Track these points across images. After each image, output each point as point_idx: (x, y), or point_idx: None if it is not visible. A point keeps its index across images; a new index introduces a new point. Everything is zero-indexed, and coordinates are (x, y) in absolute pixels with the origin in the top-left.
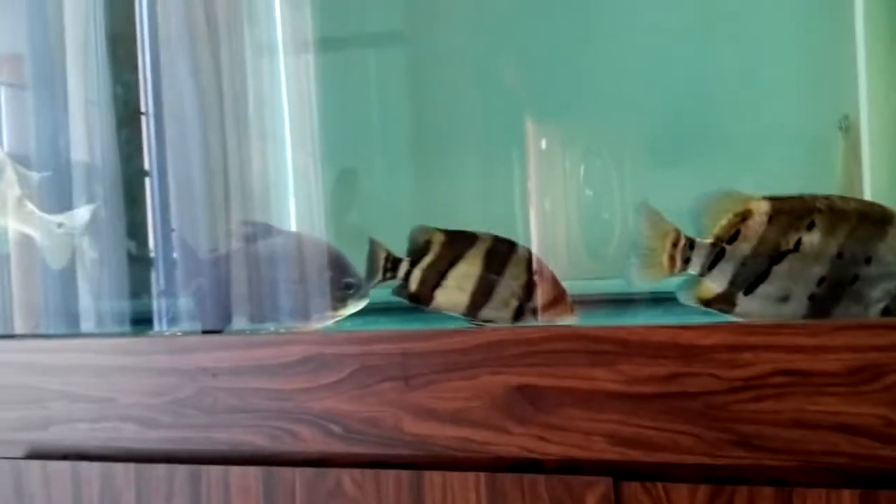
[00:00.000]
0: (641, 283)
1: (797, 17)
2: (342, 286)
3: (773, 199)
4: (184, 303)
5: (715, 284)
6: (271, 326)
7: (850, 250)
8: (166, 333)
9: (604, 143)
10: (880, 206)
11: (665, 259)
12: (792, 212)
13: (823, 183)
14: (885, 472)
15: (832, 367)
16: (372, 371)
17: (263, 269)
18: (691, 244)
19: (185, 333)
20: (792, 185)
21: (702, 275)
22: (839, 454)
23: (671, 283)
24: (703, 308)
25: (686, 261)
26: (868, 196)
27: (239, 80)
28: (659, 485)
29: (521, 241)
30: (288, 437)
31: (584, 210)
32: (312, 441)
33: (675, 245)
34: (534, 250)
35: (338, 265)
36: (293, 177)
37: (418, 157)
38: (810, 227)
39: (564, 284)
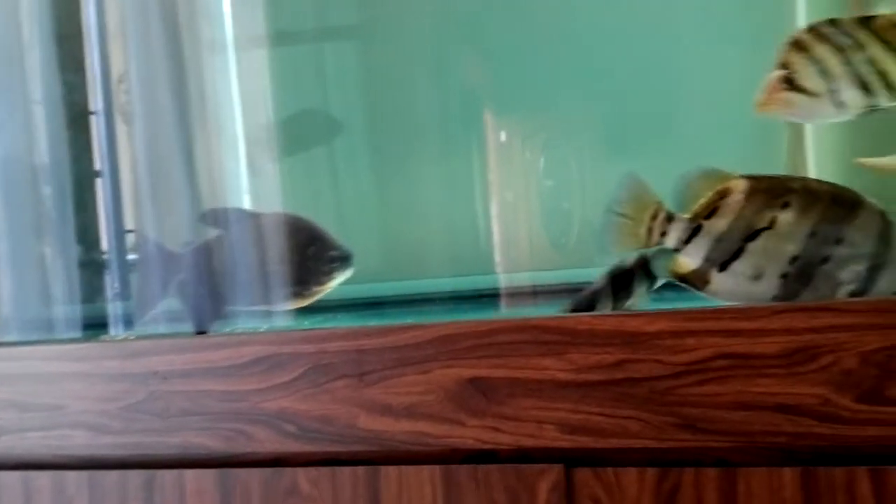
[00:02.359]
0: (617, 251)
1: (744, 9)
2: (327, 259)
3: (750, 178)
4: (165, 304)
5: (690, 260)
6: (263, 308)
7: (823, 230)
8: (118, 338)
9: (563, 135)
10: (851, 191)
11: (643, 230)
12: (768, 190)
13: (771, 171)
14: (822, 450)
15: (771, 349)
16: (326, 369)
17: (244, 254)
18: (670, 217)
19: (138, 337)
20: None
21: (677, 249)
22: (779, 433)
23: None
24: (677, 282)
25: (663, 234)
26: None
27: (192, 76)
28: (609, 470)
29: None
30: (242, 438)
31: (545, 201)
32: (267, 441)
33: (654, 217)
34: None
35: (319, 238)
36: (249, 173)
37: (377, 151)
38: (785, 206)
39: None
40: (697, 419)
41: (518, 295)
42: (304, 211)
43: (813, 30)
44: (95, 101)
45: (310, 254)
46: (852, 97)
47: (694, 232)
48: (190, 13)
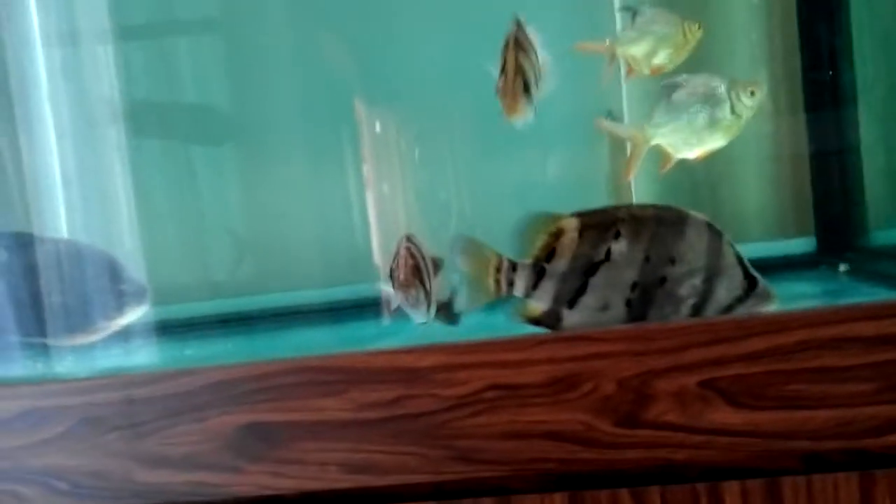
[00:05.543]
0: (471, 308)
1: (568, 24)
2: (117, 293)
3: (580, 215)
4: None
5: (540, 303)
6: (45, 342)
7: (655, 253)
8: None
9: (436, 126)
10: (675, 209)
11: (490, 284)
12: (598, 225)
13: (599, 171)
14: (588, 474)
15: (536, 378)
16: (96, 422)
17: (29, 283)
18: (513, 267)
19: None
20: (576, 174)
21: (527, 295)
22: (548, 460)
23: None
24: (533, 326)
25: (510, 283)
26: (631, 182)
27: (14, 73)
28: None
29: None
30: (10, 498)
31: (422, 192)
32: (37, 500)
33: (498, 270)
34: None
35: (111, 271)
36: (94, 176)
37: (246, 148)
38: (616, 236)
39: None
40: (472, 450)
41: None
42: (160, 220)
43: (520, 29)
44: None
45: (99, 287)
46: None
47: (539, 276)
48: (12, 6)
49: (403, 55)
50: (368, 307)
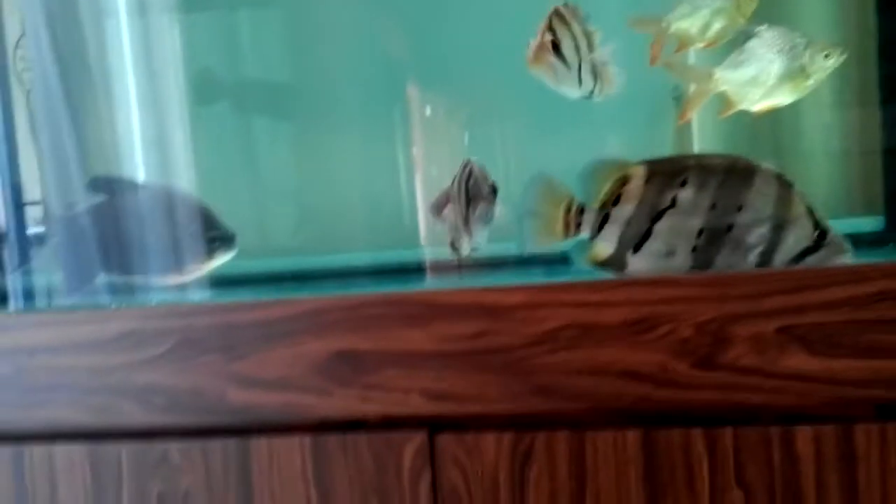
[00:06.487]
0: (538, 247)
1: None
2: (208, 238)
3: (648, 163)
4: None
5: (606, 246)
6: (138, 280)
7: (722, 201)
8: None
9: (487, 110)
10: (744, 159)
11: (560, 225)
12: (665, 172)
13: (663, 147)
14: (662, 412)
15: (614, 319)
16: (194, 344)
17: (126, 224)
18: (582, 209)
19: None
20: (642, 150)
21: (593, 238)
22: (623, 397)
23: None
24: (598, 269)
25: (578, 225)
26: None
27: (96, 40)
28: (469, 434)
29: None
30: (111, 411)
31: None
32: (136, 414)
33: (568, 211)
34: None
35: (202, 217)
36: (160, 139)
37: (299, 125)
38: (683, 184)
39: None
40: (550, 385)
41: (444, 268)
42: (219, 185)
43: (569, 7)
44: None
45: (191, 231)
46: (586, 80)
47: (604, 220)
48: None
49: (460, 36)
50: (411, 271)
